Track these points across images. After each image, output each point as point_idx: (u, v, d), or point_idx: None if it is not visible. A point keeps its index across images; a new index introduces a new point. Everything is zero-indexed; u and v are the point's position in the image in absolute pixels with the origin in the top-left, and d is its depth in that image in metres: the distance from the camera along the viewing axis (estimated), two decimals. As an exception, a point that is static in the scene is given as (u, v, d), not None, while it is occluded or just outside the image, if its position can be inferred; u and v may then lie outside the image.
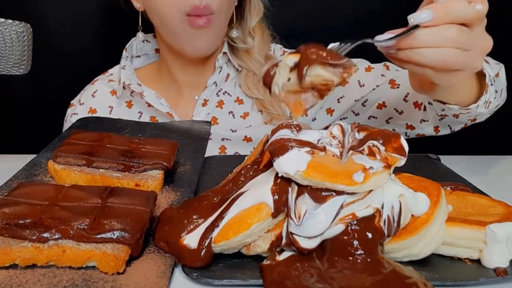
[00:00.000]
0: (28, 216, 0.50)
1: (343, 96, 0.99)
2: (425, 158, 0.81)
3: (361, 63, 0.99)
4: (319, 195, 0.48)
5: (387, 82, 0.96)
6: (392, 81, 0.95)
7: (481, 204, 0.58)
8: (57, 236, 0.49)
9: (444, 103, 0.73)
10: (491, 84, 0.71)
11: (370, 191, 0.49)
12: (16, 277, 0.47)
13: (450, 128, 0.89)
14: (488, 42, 0.59)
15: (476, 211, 0.56)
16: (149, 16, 0.95)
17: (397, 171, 0.53)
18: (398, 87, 0.94)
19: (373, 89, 0.96)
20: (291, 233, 0.48)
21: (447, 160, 0.80)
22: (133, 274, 0.48)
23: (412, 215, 0.51)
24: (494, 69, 0.75)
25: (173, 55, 0.99)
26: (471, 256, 0.52)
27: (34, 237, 0.49)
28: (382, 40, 0.57)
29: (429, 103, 0.83)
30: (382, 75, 0.97)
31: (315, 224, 0.47)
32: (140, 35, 1.03)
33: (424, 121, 0.91)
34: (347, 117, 1.01)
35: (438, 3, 0.55)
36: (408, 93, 0.92)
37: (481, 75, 0.70)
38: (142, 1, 0.95)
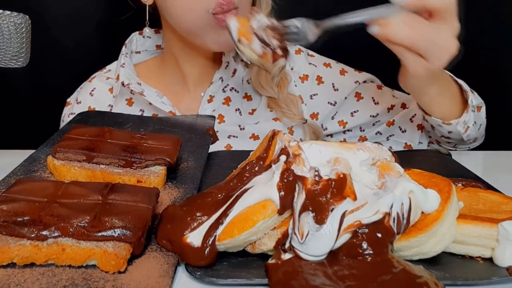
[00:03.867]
0: (27, 214, 0.49)
1: (357, 110, 1.00)
2: (435, 153, 0.81)
3: (374, 80, 1.01)
4: (320, 213, 0.47)
5: (399, 104, 0.99)
6: (404, 104, 0.99)
7: (493, 201, 0.57)
8: (56, 234, 0.48)
9: (428, 115, 0.82)
10: (472, 111, 0.80)
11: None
12: (14, 276, 0.46)
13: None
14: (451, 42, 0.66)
15: (488, 208, 0.55)
16: (163, 11, 0.91)
17: (407, 166, 0.52)
18: (408, 108, 0.98)
19: (388, 108, 0.99)
20: (293, 247, 0.47)
21: (458, 156, 0.79)
22: (134, 273, 0.47)
23: (422, 212, 0.49)
24: (477, 100, 0.85)
25: (184, 49, 0.96)
26: (483, 255, 0.51)
27: (32, 235, 0.47)
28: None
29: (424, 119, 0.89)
30: (394, 96, 1.00)
31: (318, 245, 0.46)
32: (147, 30, 1.01)
33: (420, 143, 0.96)
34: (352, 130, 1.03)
35: None
36: (415, 114, 0.96)
37: (464, 101, 0.80)
38: None
